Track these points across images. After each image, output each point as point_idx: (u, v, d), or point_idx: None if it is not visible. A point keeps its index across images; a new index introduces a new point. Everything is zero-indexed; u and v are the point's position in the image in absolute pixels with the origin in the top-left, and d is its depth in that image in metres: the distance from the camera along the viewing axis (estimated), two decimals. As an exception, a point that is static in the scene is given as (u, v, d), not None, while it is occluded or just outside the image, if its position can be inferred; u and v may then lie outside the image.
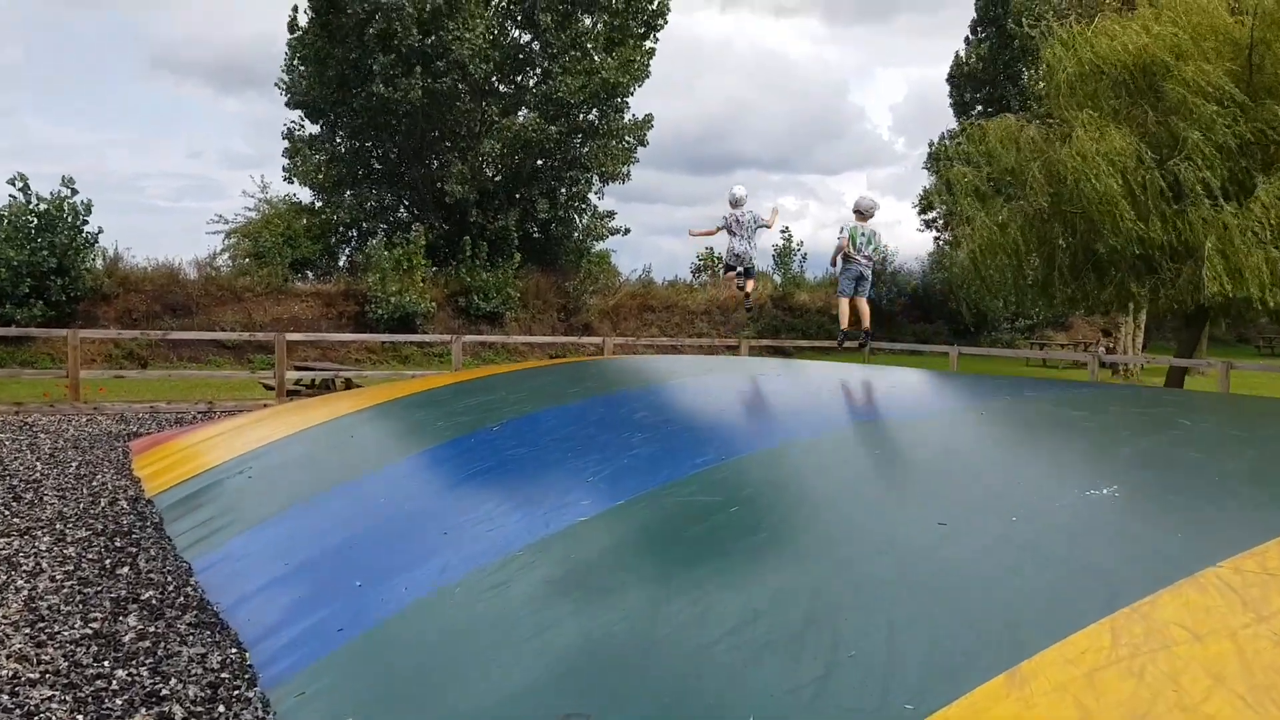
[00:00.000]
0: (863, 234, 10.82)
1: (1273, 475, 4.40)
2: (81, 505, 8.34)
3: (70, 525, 7.59)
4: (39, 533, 7.33)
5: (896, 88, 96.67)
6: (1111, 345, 28.72)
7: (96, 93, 71.43)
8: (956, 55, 42.71)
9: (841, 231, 10.97)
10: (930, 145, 43.93)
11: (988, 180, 19.69)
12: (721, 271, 11.74)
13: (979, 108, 42.24)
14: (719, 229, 11.45)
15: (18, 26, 69.37)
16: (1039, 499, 4.12)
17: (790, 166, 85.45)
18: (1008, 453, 5.14)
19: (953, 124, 42.38)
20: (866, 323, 11.08)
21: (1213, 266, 14.82)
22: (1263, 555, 3.36)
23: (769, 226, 11.45)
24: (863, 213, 10.91)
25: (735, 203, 11.28)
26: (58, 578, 6.19)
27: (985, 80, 41.71)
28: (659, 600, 3.87)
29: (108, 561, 6.61)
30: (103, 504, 8.41)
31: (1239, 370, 15.63)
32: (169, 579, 6.24)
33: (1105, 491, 4.04)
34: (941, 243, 44.86)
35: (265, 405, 15.42)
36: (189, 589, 6.03)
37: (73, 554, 6.76)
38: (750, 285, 11.59)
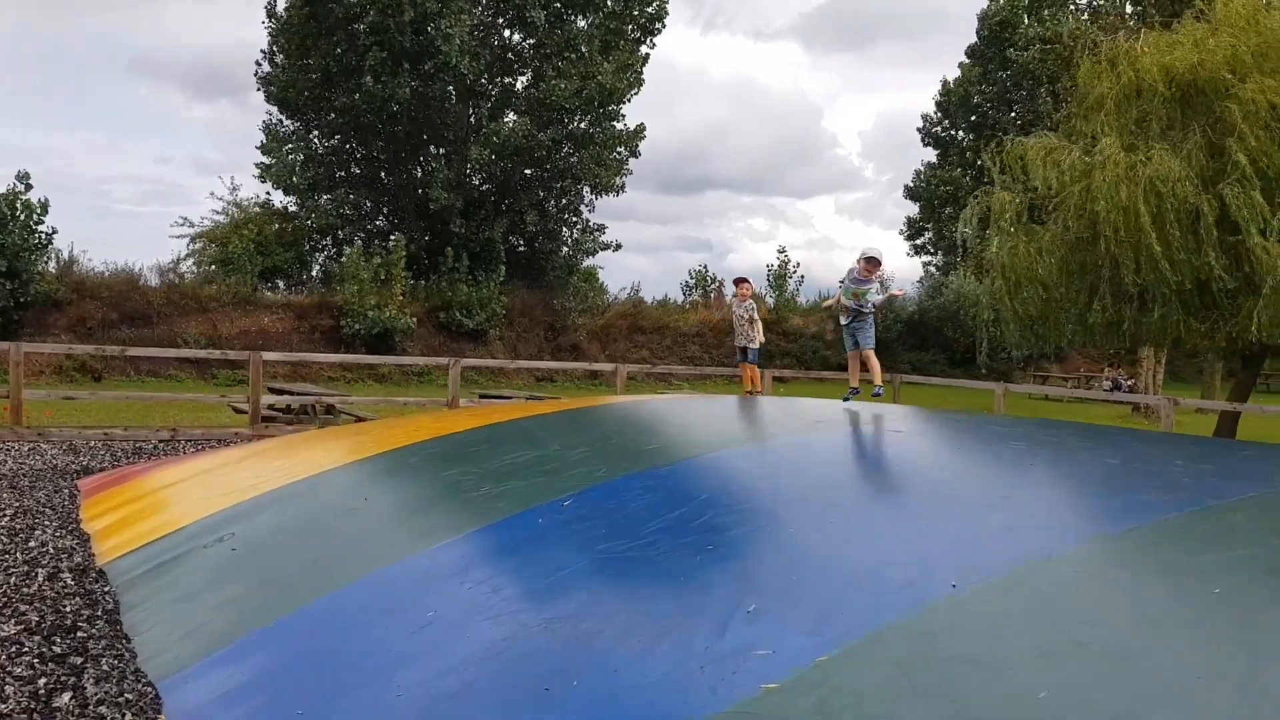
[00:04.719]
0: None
1: None
2: (13, 580, 6.48)
3: (-5, 614, 5.75)
4: (-49, 628, 5.49)
5: (866, 115, 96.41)
6: (1131, 382, 27.39)
7: (67, 95, 68.89)
8: (944, 82, 41.86)
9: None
10: (918, 175, 43.26)
11: (1028, 205, 18.31)
12: (739, 356, 10.82)
13: (964, 134, 41.58)
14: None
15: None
16: None
17: (762, 189, 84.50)
18: None
19: (922, 155, 42.32)
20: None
21: (1269, 306, 13.54)
22: None
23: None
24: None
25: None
26: (-32, 716, 4.39)
27: (974, 108, 40.84)
28: None
29: (42, 682, 4.80)
30: (40, 578, 6.54)
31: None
32: (126, 718, 4.45)
33: None
34: (932, 268, 44.06)
35: (236, 433, 13.59)
36: (156, 738, 4.25)
37: (-7, 668, 4.94)
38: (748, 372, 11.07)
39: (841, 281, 9.10)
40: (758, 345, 10.86)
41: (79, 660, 5.11)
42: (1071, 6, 36.38)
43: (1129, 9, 29.18)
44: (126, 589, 6.26)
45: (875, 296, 8.81)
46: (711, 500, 5.22)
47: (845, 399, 9.05)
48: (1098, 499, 4.73)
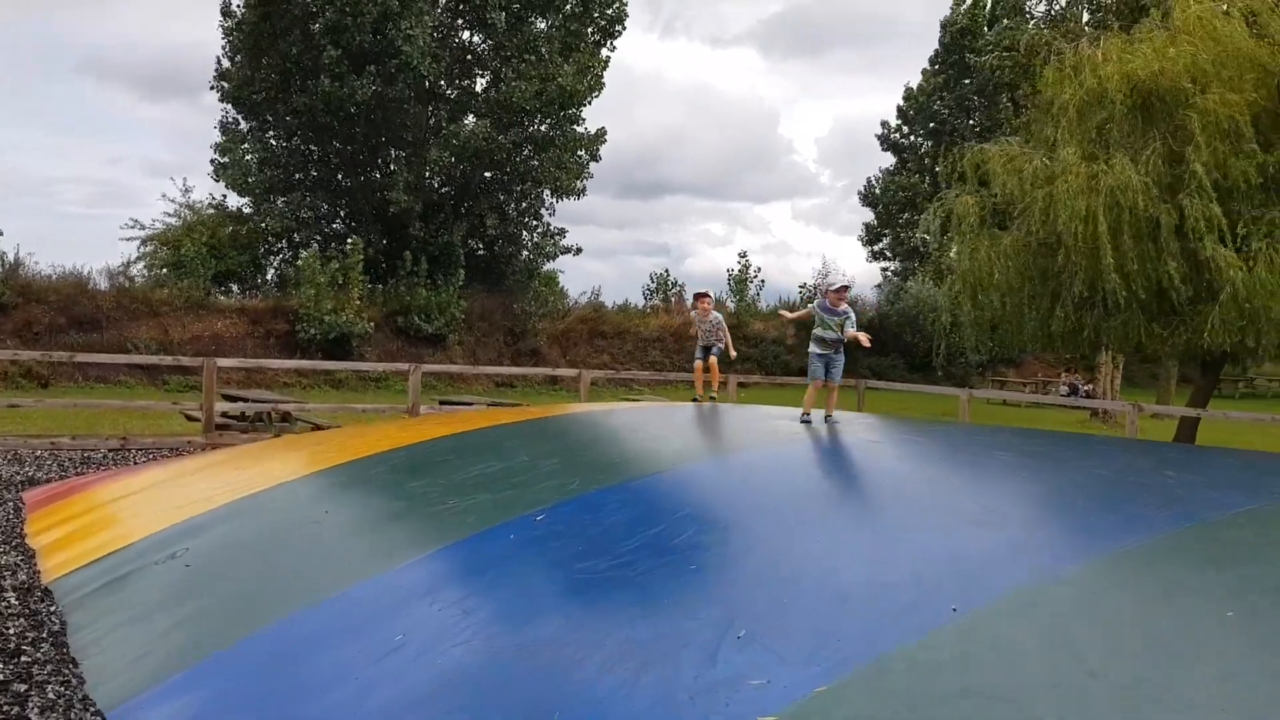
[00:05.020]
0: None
1: None
2: (-48, 600, 6.16)
3: (-67, 638, 5.43)
4: (-115, 653, 5.17)
5: (823, 121, 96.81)
6: (1089, 387, 27.59)
7: (13, 93, 67.21)
8: (907, 89, 42.24)
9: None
10: (874, 182, 43.70)
11: (991, 210, 18.32)
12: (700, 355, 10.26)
13: (923, 140, 42.01)
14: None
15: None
16: None
17: (719, 194, 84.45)
18: None
19: (877, 161, 42.97)
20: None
21: (1224, 313, 13.65)
22: None
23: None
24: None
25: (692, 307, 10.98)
26: (-99, 751, 4.09)
27: (934, 115, 41.21)
28: None
29: (-18, 713, 4.51)
30: (-18, 598, 6.22)
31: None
32: (74, 750, 4.18)
33: None
34: (890, 273, 44.34)
35: (189, 442, 13.19)
36: (106, 773, 3.98)
37: (-70, 697, 4.64)
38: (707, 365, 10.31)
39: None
40: (724, 345, 10.24)
41: (23, 687, 4.82)
42: (1030, 16, 36.72)
43: (1086, 16, 29.47)
44: (74, 608, 5.97)
45: (851, 329, 8.61)
46: (692, 516, 5.03)
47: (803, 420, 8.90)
48: (1095, 514, 4.59)
